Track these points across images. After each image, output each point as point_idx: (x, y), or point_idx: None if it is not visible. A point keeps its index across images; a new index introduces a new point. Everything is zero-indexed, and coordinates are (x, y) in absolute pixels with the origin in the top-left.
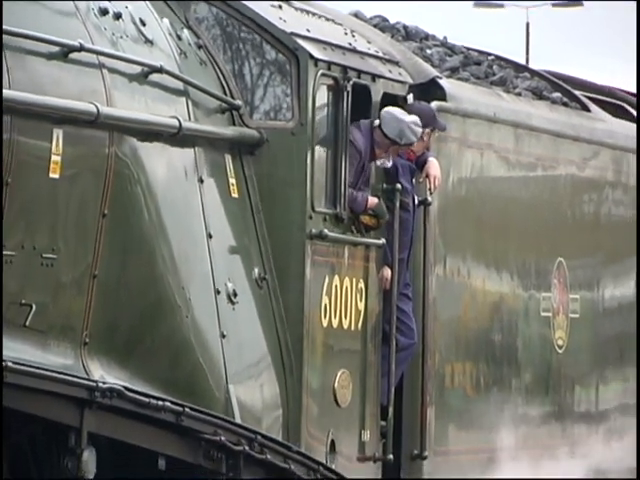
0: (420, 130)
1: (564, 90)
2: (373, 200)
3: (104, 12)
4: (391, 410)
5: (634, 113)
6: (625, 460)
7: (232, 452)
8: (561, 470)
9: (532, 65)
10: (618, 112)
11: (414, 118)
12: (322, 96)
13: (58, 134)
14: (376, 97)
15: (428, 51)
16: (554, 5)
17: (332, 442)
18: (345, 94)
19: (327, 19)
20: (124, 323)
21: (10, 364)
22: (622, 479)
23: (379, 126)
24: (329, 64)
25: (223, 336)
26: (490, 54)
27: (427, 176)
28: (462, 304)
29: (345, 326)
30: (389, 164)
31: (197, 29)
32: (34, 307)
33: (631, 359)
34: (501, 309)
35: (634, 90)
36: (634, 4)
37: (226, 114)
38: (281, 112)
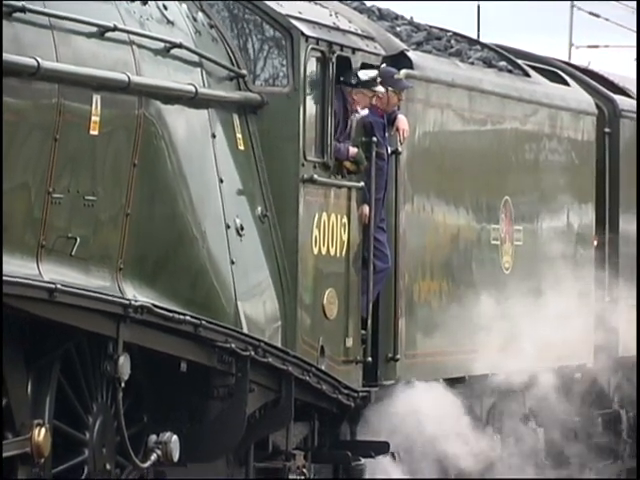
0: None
1: (509, 60)
2: (353, 149)
3: None
4: (370, 321)
5: (566, 78)
6: (564, 360)
7: (240, 356)
8: (506, 364)
9: (482, 40)
10: (553, 77)
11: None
12: (312, 66)
13: (97, 98)
14: (356, 66)
15: (398, 29)
16: None
17: (322, 348)
18: (330, 64)
19: (315, 3)
20: (152, 253)
21: (60, 286)
22: (622, 479)
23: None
24: (317, 40)
25: (232, 262)
26: (448, 31)
27: (397, 130)
28: (427, 235)
29: (332, 253)
30: (365, 112)
31: (209, 12)
32: (78, 240)
33: (564, 276)
34: (459, 238)
35: (566, 59)
36: None
37: (233, 81)
38: (278, 79)
